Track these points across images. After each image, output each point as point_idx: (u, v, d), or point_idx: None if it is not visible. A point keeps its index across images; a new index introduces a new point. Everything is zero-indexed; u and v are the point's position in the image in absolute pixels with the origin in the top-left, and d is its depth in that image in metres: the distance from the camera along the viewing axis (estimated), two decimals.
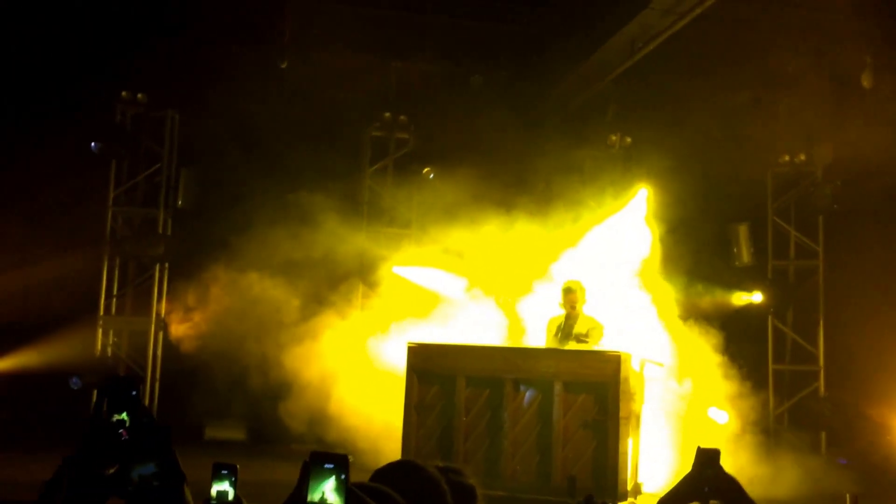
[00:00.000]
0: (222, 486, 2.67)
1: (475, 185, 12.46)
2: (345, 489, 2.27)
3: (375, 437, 10.54)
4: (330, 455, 2.32)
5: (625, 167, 14.50)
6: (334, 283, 13.43)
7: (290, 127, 13.06)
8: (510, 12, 13.56)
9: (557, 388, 8.94)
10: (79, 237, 13.30)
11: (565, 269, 11.25)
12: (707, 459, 3.17)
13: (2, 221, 12.53)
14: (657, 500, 3.25)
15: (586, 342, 9.45)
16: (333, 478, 2.31)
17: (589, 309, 9.81)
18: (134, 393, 2.53)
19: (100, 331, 13.81)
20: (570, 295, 9.70)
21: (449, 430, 9.23)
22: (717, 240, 14.53)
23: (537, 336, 10.38)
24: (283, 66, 11.66)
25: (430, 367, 9.39)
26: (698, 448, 3.20)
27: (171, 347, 13.59)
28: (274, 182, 13.21)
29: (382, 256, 13.51)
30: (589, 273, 10.66)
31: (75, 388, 12.52)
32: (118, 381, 2.55)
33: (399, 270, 13.02)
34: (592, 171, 14.46)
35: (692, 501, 3.16)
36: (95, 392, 2.84)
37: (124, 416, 2.45)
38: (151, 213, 14.15)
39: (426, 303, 12.41)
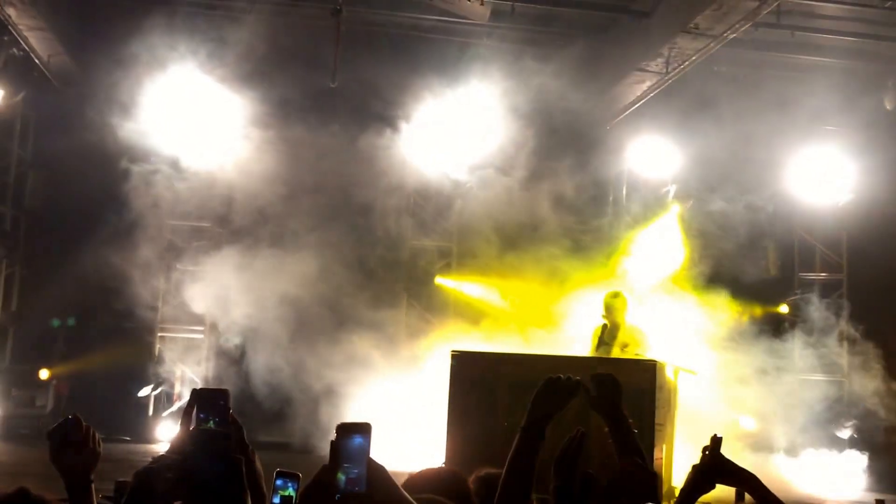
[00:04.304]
0: (286, 494, 2.59)
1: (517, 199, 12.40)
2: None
3: (418, 443, 10.46)
4: (355, 425, 2.25)
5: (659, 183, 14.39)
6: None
7: None
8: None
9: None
10: None
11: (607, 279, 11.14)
12: (712, 447, 3.15)
13: None
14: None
15: (625, 351, 9.31)
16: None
17: (632, 318, 9.68)
18: (223, 402, 2.50)
19: None
20: (612, 305, 9.59)
21: (490, 436, 9.10)
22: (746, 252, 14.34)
23: (580, 344, 10.28)
24: (333, 85, 11.64)
25: (472, 375, 9.28)
26: (712, 437, 3.17)
27: None
28: None
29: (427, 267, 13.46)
30: (627, 283, 10.53)
31: None
32: (209, 392, 2.52)
33: (444, 282, 12.98)
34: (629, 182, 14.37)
35: (703, 488, 3.12)
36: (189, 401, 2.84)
37: (212, 424, 2.42)
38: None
39: (471, 311, 12.35)
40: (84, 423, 2.76)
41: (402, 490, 2.35)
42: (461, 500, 3.26)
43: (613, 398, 3.40)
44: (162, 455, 2.42)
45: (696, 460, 3.21)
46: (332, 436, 2.20)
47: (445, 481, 3.33)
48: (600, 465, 3.02)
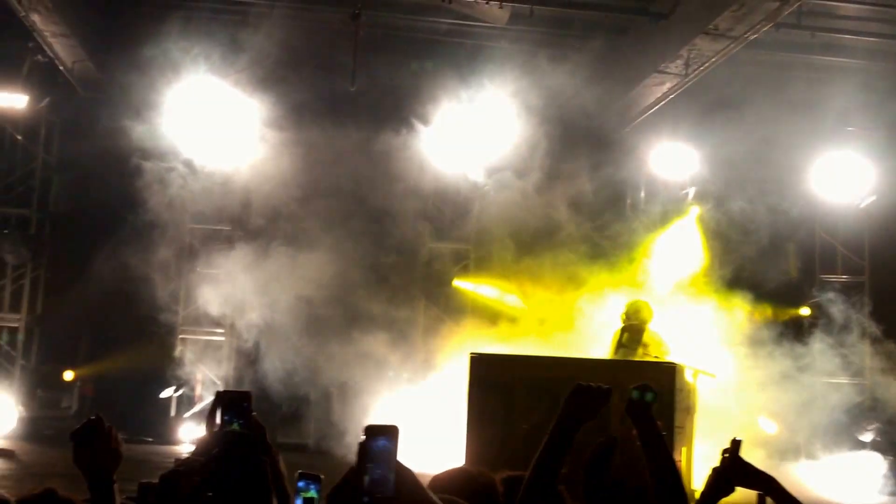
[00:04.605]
0: (309, 495, 2.61)
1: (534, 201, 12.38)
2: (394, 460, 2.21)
3: (436, 445, 10.46)
4: (382, 427, 2.25)
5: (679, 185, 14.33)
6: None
7: None
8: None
9: (614, 399, 8.77)
10: None
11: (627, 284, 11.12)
12: (731, 450, 3.14)
13: None
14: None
15: (645, 355, 9.30)
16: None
17: (655, 326, 9.67)
18: (246, 405, 2.53)
19: None
20: (637, 313, 9.58)
21: (509, 438, 9.10)
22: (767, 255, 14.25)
23: (598, 347, 10.26)
24: (353, 89, 11.69)
25: (491, 377, 9.28)
26: (731, 440, 3.17)
27: None
28: None
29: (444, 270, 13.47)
30: (646, 286, 10.52)
31: None
32: (232, 394, 2.55)
33: (462, 284, 13.00)
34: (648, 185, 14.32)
35: (722, 491, 3.12)
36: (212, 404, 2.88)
37: (236, 426, 2.44)
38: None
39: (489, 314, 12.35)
40: (106, 425, 2.79)
41: (431, 494, 2.35)
42: (489, 501, 3.27)
43: (647, 405, 3.40)
44: (188, 457, 2.45)
45: (716, 463, 3.20)
46: (360, 438, 2.21)
47: (473, 481, 3.33)
48: (624, 468, 3.02)
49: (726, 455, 3.18)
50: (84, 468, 2.76)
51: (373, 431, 2.19)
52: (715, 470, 3.18)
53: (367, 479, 2.15)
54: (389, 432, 2.19)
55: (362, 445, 2.19)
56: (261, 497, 2.27)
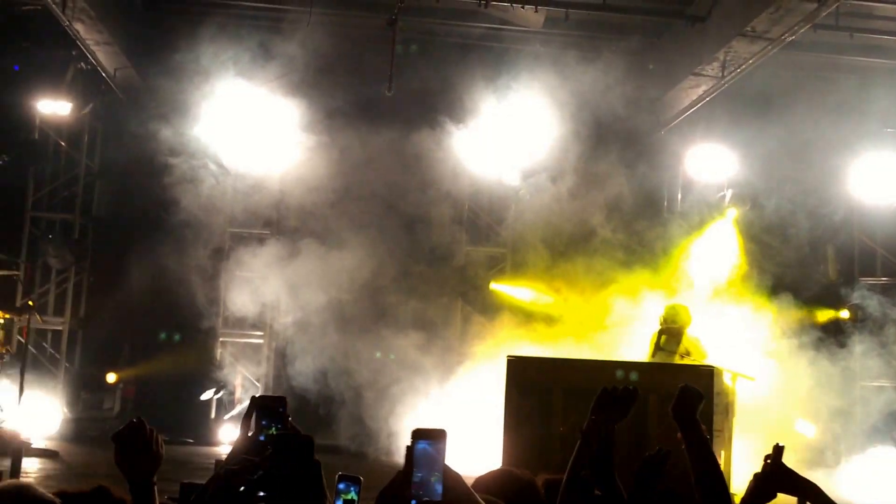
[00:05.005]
0: (349, 497, 2.59)
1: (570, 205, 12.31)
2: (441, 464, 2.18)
3: (474, 447, 10.43)
4: (430, 431, 2.22)
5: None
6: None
7: None
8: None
9: (650, 400, 8.69)
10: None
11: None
12: (774, 456, 3.12)
13: None
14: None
15: (684, 360, 9.21)
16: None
17: (694, 330, 9.57)
18: (282, 409, 2.53)
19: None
20: (676, 317, 9.50)
21: (546, 440, 9.05)
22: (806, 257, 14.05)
23: (634, 350, 10.18)
24: (389, 93, 11.71)
25: (528, 379, 9.23)
26: (774, 446, 3.14)
27: None
28: None
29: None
30: (683, 289, 10.42)
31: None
32: (268, 399, 2.55)
33: (498, 287, 12.96)
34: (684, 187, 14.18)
35: (764, 497, 3.10)
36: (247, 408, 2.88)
37: (273, 430, 2.44)
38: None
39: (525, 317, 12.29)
40: (148, 426, 2.81)
41: (478, 497, 2.33)
42: (531, 502, 3.24)
43: (693, 409, 3.35)
44: (243, 458, 2.44)
45: (758, 468, 3.14)
46: (405, 441, 2.19)
47: (516, 482, 3.31)
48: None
49: (768, 461, 3.12)
50: (125, 469, 2.78)
51: (420, 435, 2.17)
52: (757, 476, 3.13)
53: (414, 482, 2.14)
54: (437, 436, 2.17)
55: (410, 449, 2.17)
56: (316, 498, 2.26)
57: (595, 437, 3.15)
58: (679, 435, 3.29)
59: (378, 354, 13.31)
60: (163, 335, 14.61)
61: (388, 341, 13.04)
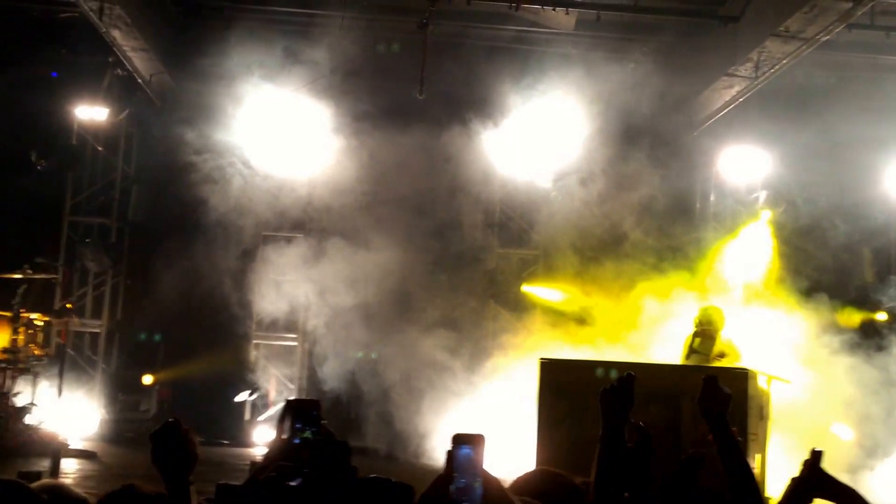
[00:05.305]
0: None
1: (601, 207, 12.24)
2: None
3: (507, 450, 10.40)
4: (469, 436, 2.21)
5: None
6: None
7: None
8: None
9: (685, 404, 8.61)
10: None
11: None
12: (812, 461, 3.07)
13: None
14: None
15: (718, 362, 9.12)
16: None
17: (727, 333, 9.48)
18: (315, 413, 2.53)
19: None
20: (710, 318, 9.42)
21: (579, 443, 8.99)
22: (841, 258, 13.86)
23: (668, 352, 10.11)
24: (421, 96, 11.73)
25: (561, 382, 9.18)
26: (811, 450, 3.10)
27: None
28: None
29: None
30: (717, 291, 10.32)
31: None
32: (302, 403, 2.55)
33: (531, 289, 12.92)
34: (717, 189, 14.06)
35: (801, 502, 3.08)
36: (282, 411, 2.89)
37: (308, 434, 2.44)
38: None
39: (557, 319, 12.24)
40: (183, 426, 2.84)
41: (517, 501, 2.32)
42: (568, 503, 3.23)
43: (722, 407, 3.31)
44: (279, 465, 2.44)
45: (794, 472, 3.10)
46: (436, 443, 2.19)
47: (554, 483, 3.29)
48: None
49: (806, 466, 3.08)
50: (161, 467, 2.82)
51: (460, 440, 2.16)
52: (794, 480, 3.09)
53: (454, 487, 2.13)
54: (476, 441, 2.16)
55: (450, 454, 2.16)
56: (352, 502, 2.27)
57: (612, 438, 3.13)
58: (710, 436, 3.26)
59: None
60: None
61: (418, 343, 13.04)
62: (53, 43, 13.50)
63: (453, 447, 2.15)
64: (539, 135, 13.61)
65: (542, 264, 14.55)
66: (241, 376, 14.28)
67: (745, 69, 12.36)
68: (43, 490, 2.95)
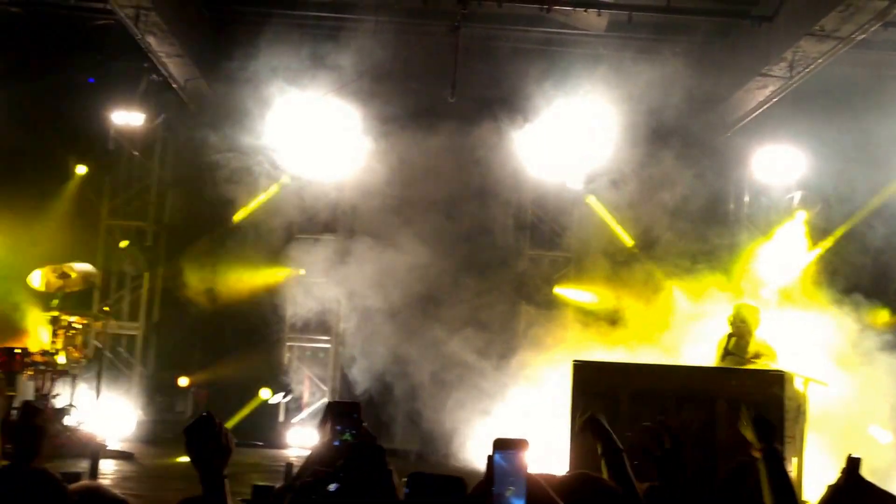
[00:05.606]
0: None
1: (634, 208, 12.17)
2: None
3: (540, 453, 10.35)
4: (511, 441, 2.19)
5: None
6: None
7: None
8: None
9: (720, 406, 8.52)
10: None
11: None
12: (850, 469, 2.95)
13: None
14: None
15: (753, 363, 9.01)
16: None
17: (762, 332, 9.37)
18: (356, 415, 2.54)
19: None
20: (743, 317, 9.31)
21: None
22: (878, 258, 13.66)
23: (702, 354, 10.02)
24: (452, 99, 11.74)
25: (594, 384, 9.13)
26: (848, 457, 2.97)
27: None
28: None
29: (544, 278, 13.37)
30: (752, 293, 10.22)
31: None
32: (343, 405, 2.56)
33: (563, 291, 12.87)
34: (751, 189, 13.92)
35: None
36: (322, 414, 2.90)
37: (348, 436, 2.45)
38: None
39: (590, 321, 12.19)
40: (217, 420, 2.87)
41: None
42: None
43: (770, 437, 3.26)
44: (315, 469, 2.45)
45: (830, 476, 3.05)
46: (468, 443, 2.19)
47: (592, 485, 3.27)
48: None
49: (844, 473, 3.03)
50: (196, 460, 2.86)
51: (501, 445, 2.15)
52: (832, 487, 3.04)
53: (495, 493, 2.11)
54: (518, 446, 2.14)
55: (491, 459, 2.14)
56: None
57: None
58: (754, 451, 3.21)
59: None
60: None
61: (449, 344, 13.04)
62: (90, 50, 13.68)
63: (493, 452, 2.12)
64: (570, 137, 13.55)
65: (574, 266, 14.49)
66: (274, 378, 14.38)
67: (780, 69, 12.22)
68: (82, 491, 2.98)
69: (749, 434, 3.26)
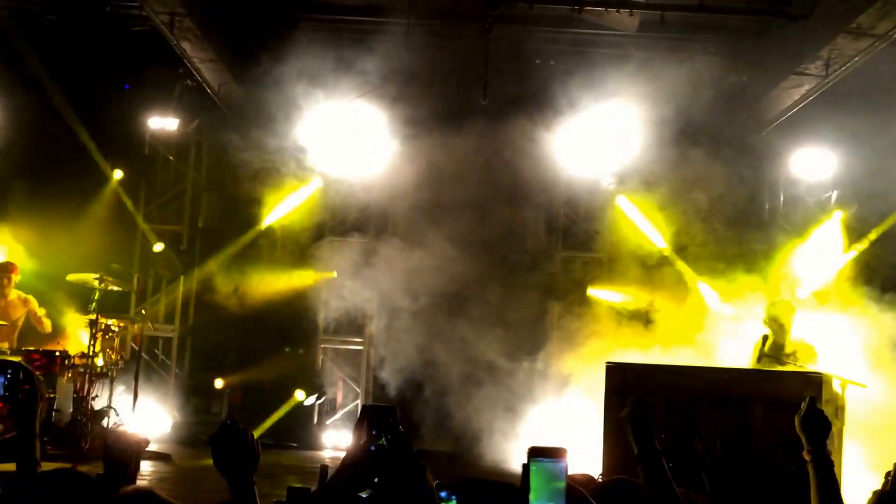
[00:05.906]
0: None
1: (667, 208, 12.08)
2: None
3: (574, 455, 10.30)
4: (547, 449, 2.15)
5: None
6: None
7: None
8: None
9: (755, 408, 8.43)
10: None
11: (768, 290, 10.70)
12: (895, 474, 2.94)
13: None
14: None
15: (791, 363, 8.89)
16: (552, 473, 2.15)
17: (799, 331, 9.25)
18: (392, 419, 2.53)
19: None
20: (778, 315, 9.19)
21: None
22: None
23: (737, 356, 9.91)
24: (484, 101, 11.72)
25: (628, 386, 9.07)
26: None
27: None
28: None
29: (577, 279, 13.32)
30: (788, 294, 10.09)
31: None
32: (379, 409, 2.56)
33: (596, 293, 12.81)
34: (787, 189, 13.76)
35: None
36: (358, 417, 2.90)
37: (383, 441, 2.45)
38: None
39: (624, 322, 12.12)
40: (241, 427, 2.85)
41: None
42: None
43: (825, 433, 3.21)
44: (351, 475, 2.45)
45: (870, 480, 2.99)
46: (496, 444, 2.17)
47: (630, 489, 3.26)
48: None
49: (890, 478, 2.97)
50: (223, 469, 2.83)
51: (536, 453, 2.12)
52: (876, 493, 2.98)
53: (531, 501, 2.08)
54: (556, 455, 2.11)
55: (526, 468, 2.12)
56: None
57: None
58: (804, 453, 3.16)
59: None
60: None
61: (480, 345, 13.02)
62: (126, 56, 13.84)
63: (528, 460, 2.10)
64: (602, 137, 13.49)
65: (607, 268, 14.40)
66: (308, 380, 14.45)
67: (815, 67, 12.06)
68: (135, 494, 2.99)
69: (801, 433, 3.20)
